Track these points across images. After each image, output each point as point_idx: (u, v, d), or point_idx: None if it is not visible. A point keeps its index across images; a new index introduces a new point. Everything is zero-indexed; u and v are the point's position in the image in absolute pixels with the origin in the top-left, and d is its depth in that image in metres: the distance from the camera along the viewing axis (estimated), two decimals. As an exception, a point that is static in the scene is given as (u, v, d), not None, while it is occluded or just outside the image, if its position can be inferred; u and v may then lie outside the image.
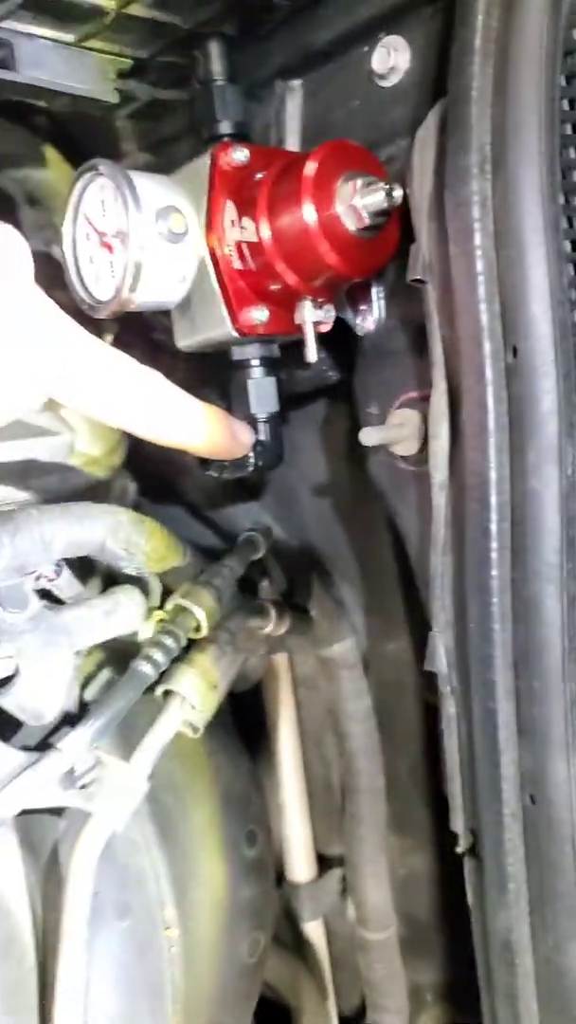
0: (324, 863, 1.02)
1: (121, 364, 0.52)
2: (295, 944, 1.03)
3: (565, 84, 0.43)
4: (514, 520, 0.44)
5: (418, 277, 0.50)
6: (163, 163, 0.85)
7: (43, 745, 0.65)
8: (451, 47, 0.48)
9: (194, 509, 0.95)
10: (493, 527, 0.44)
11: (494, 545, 0.44)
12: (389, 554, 0.79)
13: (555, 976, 0.45)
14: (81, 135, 0.89)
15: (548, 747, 0.43)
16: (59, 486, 0.74)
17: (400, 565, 0.78)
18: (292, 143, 0.71)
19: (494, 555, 0.44)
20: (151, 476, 0.94)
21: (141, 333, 0.83)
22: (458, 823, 0.52)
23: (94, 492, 0.79)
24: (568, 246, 0.44)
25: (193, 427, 0.57)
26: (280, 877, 1.00)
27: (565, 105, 0.44)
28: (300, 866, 1.01)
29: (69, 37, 0.65)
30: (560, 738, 0.43)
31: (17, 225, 0.98)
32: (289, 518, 0.89)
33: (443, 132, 0.48)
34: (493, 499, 0.44)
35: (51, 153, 0.86)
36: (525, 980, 0.46)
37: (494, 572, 0.44)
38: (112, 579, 0.82)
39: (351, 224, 0.53)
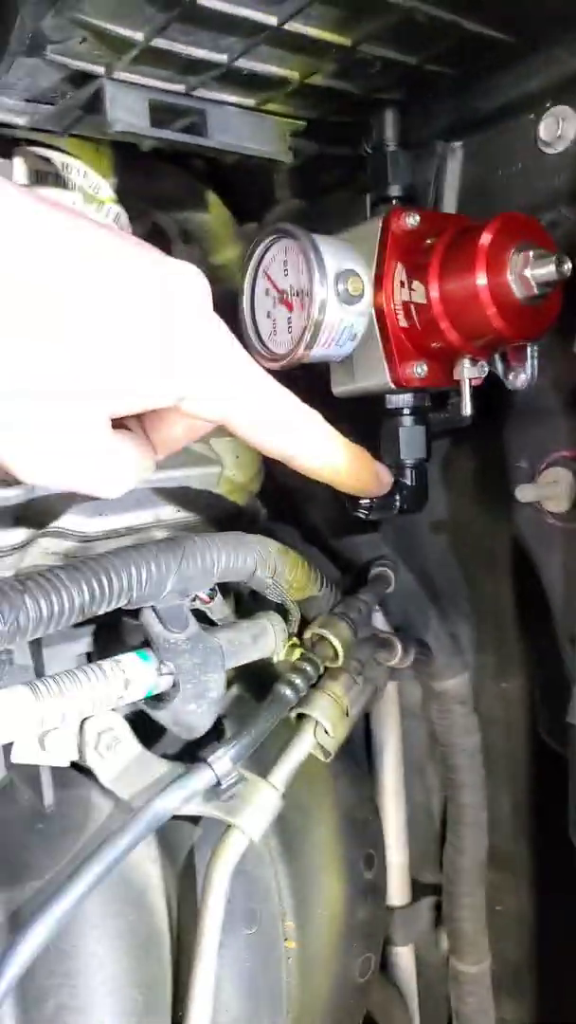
0: (417, 890, 1.04)
1: (292, 400, 0.55)
2: (386, 967, 1.05)
3: None
4: None
5: (582, 348, 0.53)
6: (315, 211, 0.90)
7: (183, 754, 0.70)
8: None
9: (318, 536, 0.98)
10: None
11: None
12: (508, 595, 0.81)
13: None
14: (238, 180, 0.95)
15: None
16: (206, 511, 0.79)
17: (521, 609, 0.80)
18: (450, 201, 0.74)
19: None
20: (281, 503, 0.98)
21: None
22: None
23: (234, 516, 0.84)
24: None
25: (344, 464, 0.60)
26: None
27: None
28: (396, 890, 1.02)
29: (251, 102, 0.71)
30: None
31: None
32: (409, 551, 0.92)
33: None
34: None
35: (212, 197, 0.92)
36: None
37: None
38: (240, 599, 0.88)
39: (520, 292, 0.56)
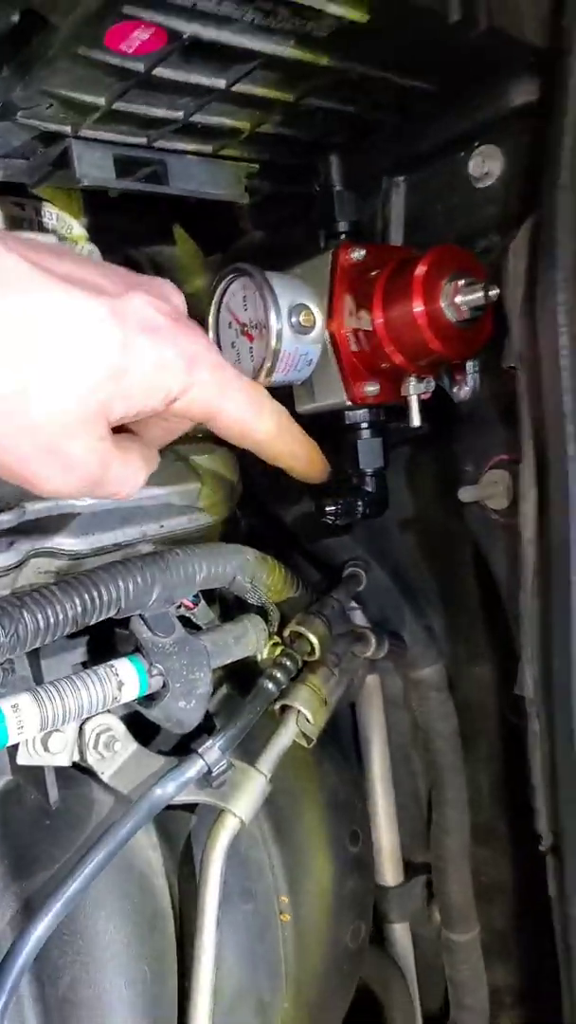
0: (410, 869, 1.10)
1: (265, 393, 0.62)
2: (384, 944, 1.11)
3: None
4: (593, 573, 0.53)
5: (511, 365, 0.59)
6: (277, 242, 0.97)
7: (177, 749, 0.77)
8: (541, 177, 0.57)
9: (296, 542, 1.05)
10: (574, 578, 0.53)
11: (575, 592, 0.53)
12: (473, 587, 0.87)
13: (628, 957, 0.52)
14: (205, 216, 1.02)
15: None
16: (188, 525, 0.86)
17: (483, 597, 0.87)
18: (396, 231, 0.81)
19: (575, 601, 0.53)
20: (260, 514, 1.05)
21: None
22: (542, 825, 0.61)
23: (214, 529, 0.91)
24: None
25: (302, 452, 0.67)
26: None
27: None
28: (389, 871, 1.08)
29: (208, 149, 0.77)
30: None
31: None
32: (381, 552, 0.98)
33: (533, 247, 0.57)
34: (574, 555, 0.53)
35: (179, 232, 0.99)
36: (602, 962, 0.54)
37: (575, 615, 0.53)
38: (226, 604, 0.94)
39: (453, 317, 0.63)
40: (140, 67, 0.58)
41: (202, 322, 0.78)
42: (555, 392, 0.53)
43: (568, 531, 0.53)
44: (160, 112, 0.67)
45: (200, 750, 0.67)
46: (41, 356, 0.46)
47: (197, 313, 1.03)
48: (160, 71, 0.60)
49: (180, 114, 0.68)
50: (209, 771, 0.67)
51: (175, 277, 1.02)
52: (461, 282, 0.62)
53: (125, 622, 0.70)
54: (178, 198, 1.01)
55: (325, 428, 0.81)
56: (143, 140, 0.73)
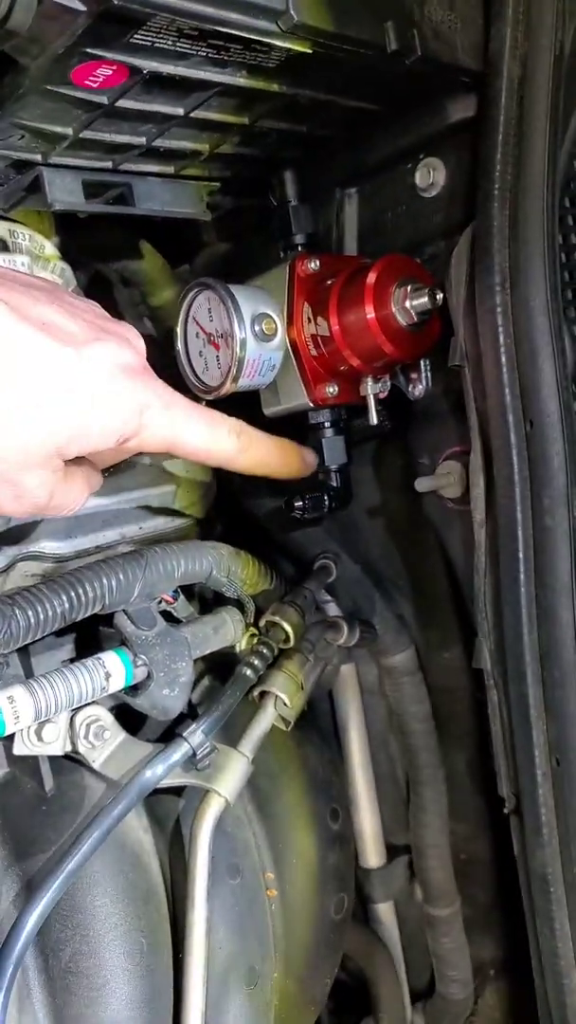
0: (392, 851, 1.14)
1: (222, 418, 0.66)
2: (368, 924, 1.15)
3: (560, 224, 0.58)
4: (536, 549, 0.58)
5: (457, 363, 0.64)
6: (239, 252, 1.02)
7: (164, 737, 0.81)
8: (476, 190, 0.63)
9: (270, 539, 1.09)
10: (521, 555, 0.58)
11: (522, 568, 0.58)
12: (440, 576, 0.92)
13: (581, 898, 0.57)
14: (170, 230, 1.06)
15: (567, 721, 0.57)
16: (166, 526, 0.90)
17: (449, 584, 0.91)
18: (350, 239, 0.86)
19: (522, 576, 0.58)
20: (235, 514, 1.09)
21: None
22: (504, 788, 0.66)
23: (191, 529, 0.95)
24: (568, 345, 0.58)
25: (274, 458, 0.71)
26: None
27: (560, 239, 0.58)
28: (371, 853, 1.12)
29: (170, 169, 0.82)
30: (575, 714, 0.56)
31: (113, 302, 1.16)
32: (353, 545, 1.02)
33: (472, 254, 0.62)
34: (520, 534, 0.58)
35: (146, 247, 1.03)
36: (559, 905, 0.59)
37: (522, 589, 0.58)
38: (205, 600, 0.98)
39: (403, 320, 0.68)
40: (104, 99, 0.63)
41: (171, 332, 0.83)
42: (496, 387, 0.59)
43: (514, 512, 0.58)
44: (124, 138, 0.72)
45: (185, 734, 0.71)
46: (9, 395, 0.50)
47: (166, 324, 1.07)
48: (123, 102, 0.65)
49: (143, 139, 0.72)
50: (194, 754, 0.72)
51: (143, 290, 1.06)
52: (409, 288, 0.67)
53: (110, 620, 0.74)
54: (146, 216, 1.06)
55: (291, 429, 0.86)
56: (109, 164, 0.77)
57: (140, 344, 0.59)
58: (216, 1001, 0.73)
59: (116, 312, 1.11)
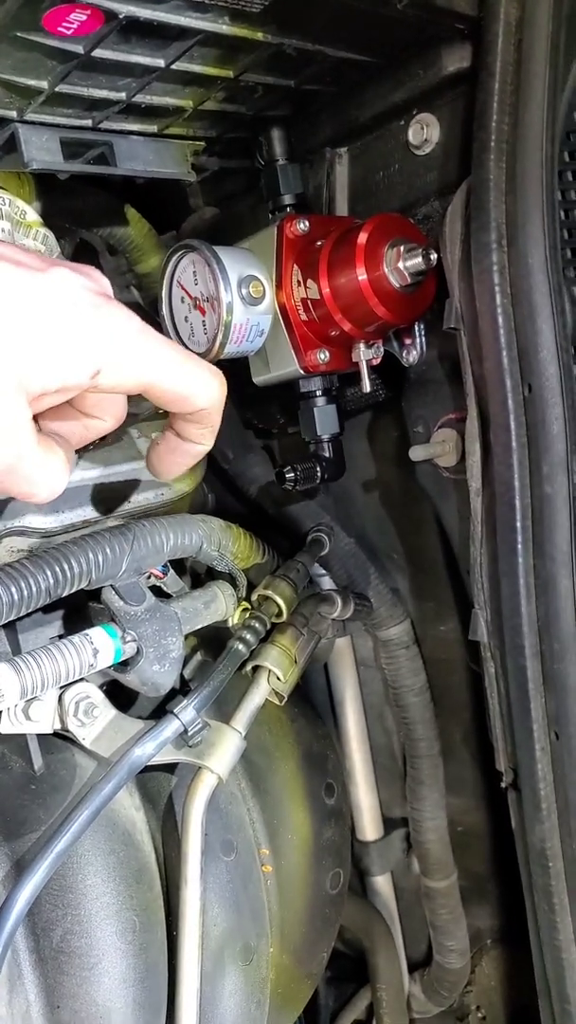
0: (389, 825, 1.13)
1: (196, 357, 0.58)
2: (366, 896, 1.16)
3: (559, 179, 0.55)
4: (534, 518, 0.56)
5: (452, 326, 0.62)
6: (228, 215, 0.99)
7: (156, 713, 0.79)
8: (472, 142, 0.60)
9: (264, 514, 1.07)
10: (518, 524, 0.56)
11: (519, 538, 0.56)
12: (436, 548, 0.91)
13: (580, 873, 0.56)
14: (156, 193, 1.03)
15: (566, 694, 0.55)
16: (155, 499, 0.88)
17: (445, 556, 0.90)
18: (341, 201, 0.83)
19: (520, 546, 0.56)
20: (227, 489, 1.07)
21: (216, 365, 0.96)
22: (501, 762, 0.65)
23: (182, 503, 0.93)
24: (567, 305, 0.56)
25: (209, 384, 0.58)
26: (352, 837, 1.12)
27: (559, 195, 0.55)
28: (369, 826, 1.12)
29: (153, 128, 0.79)
30: (575, 687, 0.55)
31: (99, 271, 1.13)
32: (348, 518, 1.01)
33: (468, 211, 0.60)
34: (518, 503, 0.56)
35: (131, 212, 0.99)
36: (557, 878, 0.58)
37: (520, 559, 0.56)
38: (196, 575, 0.97)
39: (396, 282, 0.65)
40: (80, 48, 0.60)
41: (157, 300, 0.80)
42: (493, 349, 0.56)
43: (512, 480, 0.56)
44: (103, 93, 0.69)
45: (176, 710, 0.70)
46: None
47: (153, 292, 1.04)
48: (100, 52, 0.61)
49: (123, 95, 0.69)
50: (185, 730, 0.70)
51: (129, 257, 1.03)
52: (402, 248, 0.64)
53: (98, 595, 0.72)
54: (129, 179, 1.03)
55: (283, 398, 0.84)
56: (88, 122, 0.74)
57: (105, 281, 0.55)
58: (211, 977, 0.72)
59: (102, 280, 1.08)
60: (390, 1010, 1.10)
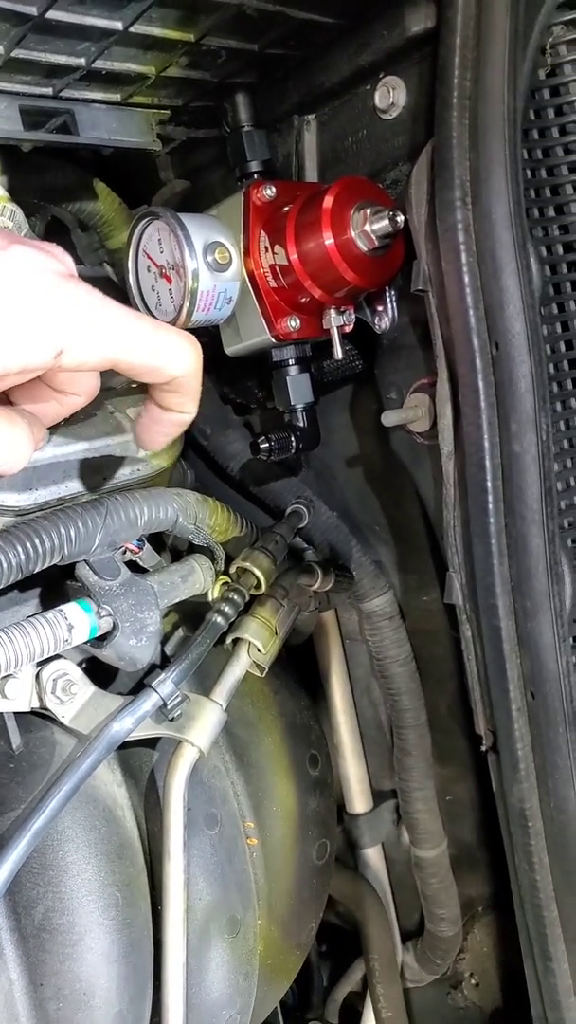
0: (378, 797, 1.14)
1: (165, 325, 0.55)
2: (357, 869, 1.16)
3: (523, 136, 0.54)
4: (504, 477, 0.55)
5: (420, 288, 0.61)
6: (198, 187, 0.97)
7: (136, 690, 0.79)
8: (434, 100, 0.59)
9: (245, 490, 1.07)
10: (488, 484, 0.55)
11: (490, 498, 0.56)
12: (417, 519, 0.90)
13: (559, 831, 0.56)
14: (126, 167, 1.02)
15: (540, 652, 0.55)
16: (130, 476, 0.87)
17: (426, 526, 0.90)
18: (310, 168, 0.82)
19: (491, 506, 0.56)
20: (207, 464, 1.06)
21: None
22: (480, 725, 0.65)
23: (160, 479, 0.92)
24: (533, 261, 0.55)
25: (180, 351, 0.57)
26: (340, 810, 1.12)
27: (524, 153, 0.55)
28: (358, 799, 1.13)
29: (116, 97, 0.77)
30: (549, 644, 0.54)
31: (70, 247, 1.12)
32: (330, 492, 1.01)
33: (432, 170, 0.59)
34: (487, 462, 0.55)
35: (100, 186, 0.98)
36: (537, 838, 0.58)
37: (491, 519, 0.56)
38: (177, 550, 0.96)
39: (363, 246, 0.64)
40: (33, 10, 0.58)
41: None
42: (460, 308, 0.56)
43: (481, 440, 0.56)
44: (61, 59, 0.68)
45: (154, 684, 0.70)
46: None
47: (125, 265, 1.03)
48: (54, 14, 0.60)
49: (82, 60, 0.68)
50: (164, 704, 0.70)
51: (100, 232, 1.02)
52: (368, 211, 0.64)
53: (73, 572, 0.71)
54: (97, 152, 1.01)
55: (260, 371, 0.83)
56: (48, 90, 0.73)
57: (68, 259, 0.54)
58: (198, 951, 0.73)
59: (75, 257, 1.07)
60: (383, 980, 1.11)
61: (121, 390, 0.86)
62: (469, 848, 1.08)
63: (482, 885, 1.10)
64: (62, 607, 0.68)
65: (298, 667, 1.11)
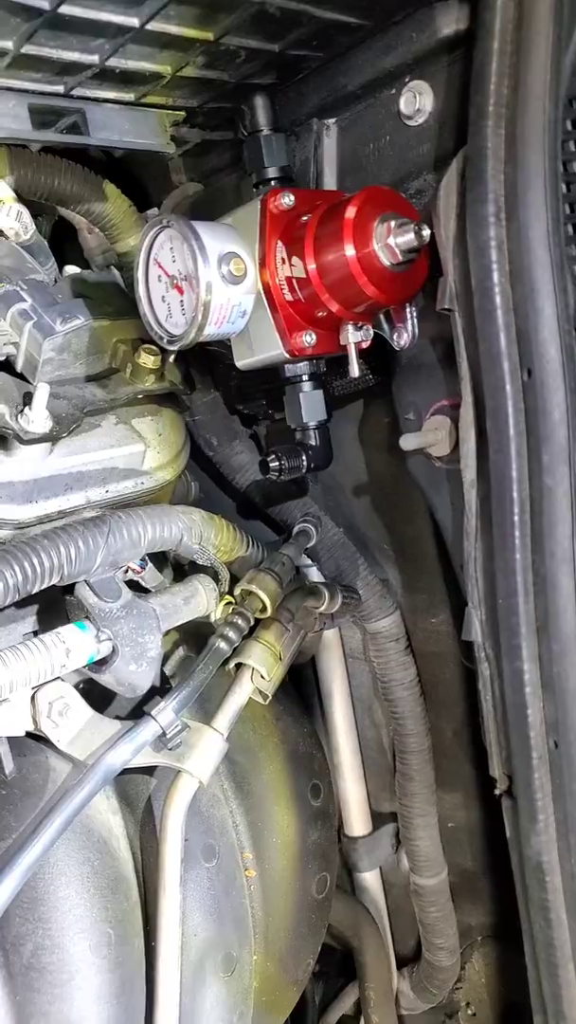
0: (378, 819, 1.11)
1: None
2: (355, 893, 1.13)
3: (562, 149, 0.51)
4: (533, 511, 0.52)
5: (446, 307, 0.58)
6: (211, 191, 0.94)
7: (134, 714, 0.76)
8: (469, 108, 0.56)
9: (251, 505, 1.04)
10: (516, 518, 0.52)
11: (517, 533, 0.53)
12: (428, 538, 0.88)
13: (579, 888, 0.54)
14: (137, 170, 0.99)
15: (567, 698, 0.52)
16: (134, 488, 0.84)
17: (438, 548, 0.87)
18: (329, 175, 0.79)
19: (518, 542, 0.53)
20: (212, 477, 1.03)
21: (196, 346, 0.92)
22: (495, 768, 0.62)
23: (164, 492, 0.89)
24: (570, 284, 0.52)
25: None
26: (338, 833, 1.09)
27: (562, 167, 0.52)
28: (357, 821, 1.10)
29: (130, 96, 0.74)
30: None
31: (77, 249, 1.09)
32: (337, 508, 0.98)
33: (464, 182, 0.56)
34: (515, 495, 0.52)
35: (110, 188, 0.95)
36: (555, 894, 0.55)
37: (518, 555, 0.53)
38: (180, 567, 0.93)
39: (386, 260, 0.61)
40: (45, 4, 0.55)
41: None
42: (490, 331, 0.53)
43: (509, 470, 0.53)
44: (74, 56, 0.64)
45: (153, 712, 0.67)
46: None
47: (133, 270, 1.00)
48: (68, 8, 0.57)
49: (95, 57, 0.65)
50: (163, 733, 0.67)
51: (109, 235, 0.98)
52: (393, 223, 0.61)
53: (72, 589, 0.68)
54: (107, 153, 0.98)
55: (268, 382, 0.80)
56: (60, 88, 0.70)
57: None
58: (191, 990, 0.70)
59: (82, 260, 1.04)
60: (378, 1009, 1.08)
61: (124, 402, 0.83)
62: (470, 876, 1.05)
63: (482, 914, 1.07)
64: (60, 629, 0.65)
65: (299, 684, 1.09)
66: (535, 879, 0.57)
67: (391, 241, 0.61)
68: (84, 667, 0.67)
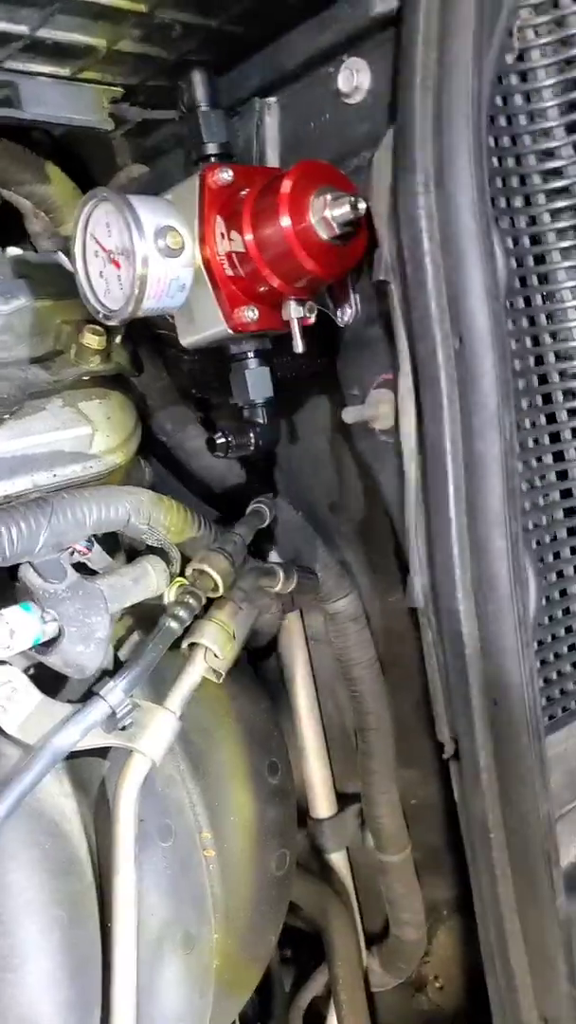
0: (343, 800, 1.12)
1: None
2: (322, 874, 1.14)
3: (489, 123, 0.51)
4: (467, 476, 0.53)
5: (382, 278, 0.58)
6: (156, 171, 0.93)
7: (86, 697, 0.76)
8: (395, 81, 0.56)
9: (208, 490, 1.04)
10: (451, 484, 0.53)
11: (452, 498, 0.53)
12: (382, 518, 0.88)
13: (521, 844, 0.54)
14: (80, 151, 0.98)
15: (503, 658, 0.53)
16: (82, 472, 0.83)
17: (391, 527, 0.87)
18: (272, 154, 0.79)
19: (452, 507, 0.53)
20: (165, 461, 1.03)
21: (145, 330, 0.92)
22: (443, 732, 0.62)
23: (115, 477, 0.88)
24: (499, 256, 0.52)
25: None
26: (304, 815, 1.10)
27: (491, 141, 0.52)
28: (322, 803, 1.10)
29: (65, 71, 0.73)
30: (512, 650, 0.52)
31: (24, 234, 1.07)
32: (297, 491, 0.98)
33: (395, 155, 0.56)
34: (449, 462, 0.53)
35: (53, 170, 0.94)
36: (500, 851, 0.56)
37: (453, 520, 0.53)
38: (135, 552, 0.92)
39: (324, 233, 0.61)
40: (-34, -27, 0.54)
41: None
42: (421, 298, 0.53)
43: (443, 438, 0.53)
44: (1, 26, 0.63)
45: (102, 692, 0.66)
46: None
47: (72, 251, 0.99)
48: (-9, -22, 0.56)
49: (24, 28, 0.64)
50: (113, 713, 0.67)
51: (53, 217, 0.97)
52: (328, 196, 0.61)
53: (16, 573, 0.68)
54: (50, 134, 0.97)
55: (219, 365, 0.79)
56: (-8, 63, 0.69)
57: None
58: (150, 969, 0.69)
59: (29, 244, 1.03)
60: (347, 987, 1.09)
61: (69, 383, 0.82)
62: (434, 851, 1.06)
63: (447, 889, 1.08)
64: (2, 611, 0.64)
65: (262, 669, 1.09)
66: (480, 837, 0.58)
67: (327, 214, 0.61)
68: (31, 649, 0.66)
